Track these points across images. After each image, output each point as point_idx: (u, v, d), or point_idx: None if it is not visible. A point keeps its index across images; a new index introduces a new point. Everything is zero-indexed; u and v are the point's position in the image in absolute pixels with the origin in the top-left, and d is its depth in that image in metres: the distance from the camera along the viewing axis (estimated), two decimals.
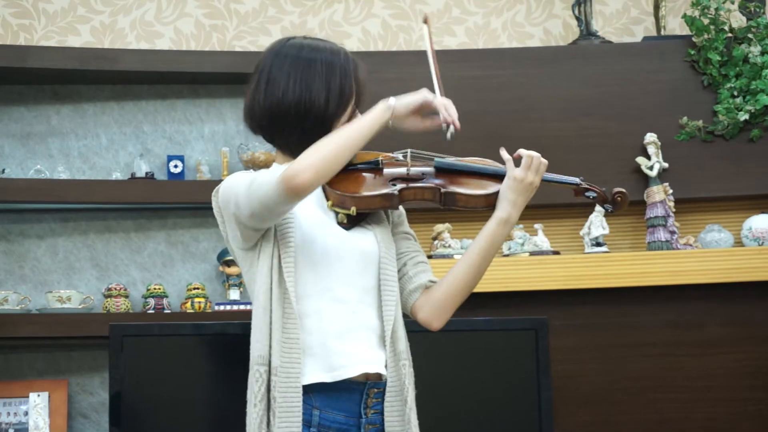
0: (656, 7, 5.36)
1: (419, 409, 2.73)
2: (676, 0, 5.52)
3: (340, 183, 2.72)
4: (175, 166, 5.06)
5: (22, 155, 5.08)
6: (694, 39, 5.09)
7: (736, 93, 5.04)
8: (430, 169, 2.78)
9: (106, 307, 4.87)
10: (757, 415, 4.89)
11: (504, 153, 2.82)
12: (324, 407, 2.62)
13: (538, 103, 5.06)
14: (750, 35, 5.08)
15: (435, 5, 5.50)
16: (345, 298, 2.67)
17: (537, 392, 4.30)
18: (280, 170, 2.57)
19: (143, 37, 5.34)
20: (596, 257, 4.85)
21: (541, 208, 4.75)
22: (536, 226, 4.94)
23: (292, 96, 2.66)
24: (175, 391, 4.28)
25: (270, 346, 2.60)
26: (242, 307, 4.87)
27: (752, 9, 5.14)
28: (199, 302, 4.86)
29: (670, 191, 4.96)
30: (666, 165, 4.98)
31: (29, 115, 5.11)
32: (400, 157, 2.83)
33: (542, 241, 4.91)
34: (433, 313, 2.79)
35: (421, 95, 2.71)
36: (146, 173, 5.00)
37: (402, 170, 2.79)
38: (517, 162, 2.81)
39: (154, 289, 4.93)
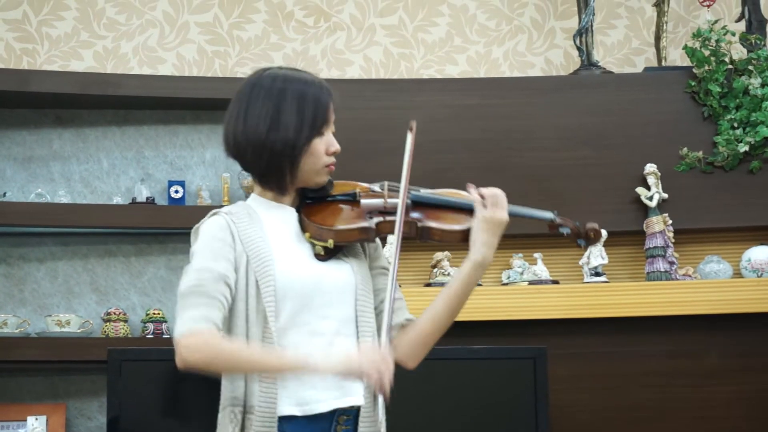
0: (657, 38, 5.38)
1: None
2: (678, 31, 5.54)
3: (318, 215, 2.73)
4: (176, 192, 5.07)
5: (23, 179, 5.09)
6: (694, 70, 5.11)
7: (736, 124, 5.06)
8: (407, 202, 2.76)
9: (105, 332, 4.87)
10: None
11: (473, 192, 2.78)
12: (293, 431, 2.62)
13: (539, 133, 5.07)
14: (750, 67, 5.09)
15: (437, 34, 5.52)
16: (321, 331, 2.66)
17: (535, 421, 4.30)
18: (191, 314, 2.56)
19: (146, 63, 5.36)
20: (595, 287, 4.85)
21: (540, 237, 4.76)
22: (536, 255, 4.94)
23: (263, 127, 2.66)
24: (173, 416, 4.28)
25: (246, 386, 2.62)
26: None
27: (753, 41, 5.16)
28: None
29: (670, 222, 4.97)
30: (665, 195, 4.99)
31: (31, 139, 5.12)
32: (376, 188, 2.83)
33: (541, 270, 4.92)
34: (408, 353, 2.79)
35: (351, 364, 2.52)
36: (147, 198, 5.01)
37: (379, 202, 2.79)
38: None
39: (154, 314, 4.93)
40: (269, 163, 2.69)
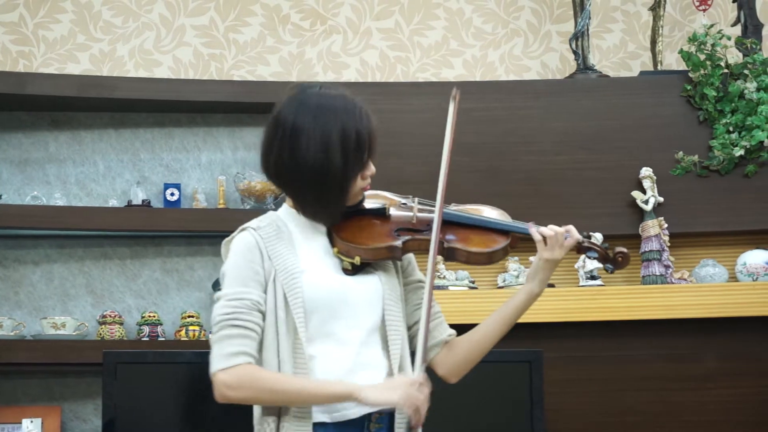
0: (653, 42, 5.38)
1: None
2: (673, 35, 5.55)
3: (347, 231, 2.74)
4: (172, 194, 5.07)
5: (19, 181, 5.08)
6: (690, 74, 5.11)
7: (731, 128, 5.06)
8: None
9: (101, 334, 4.87)
10: None
11: (535, 234, 2.84)
12: None
13: (535, 136, 5.07)
14: (746, 71, 5.10)
15: (433, 37, 5.52)
16: (349, 340, 2.70)
17: (530, 424, 4.30)
18: (225, 347, 2.63)
19: (142, 66, 5.36)
20: (591, 290, 4.86)
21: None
22: (531, 258, 4.91)
23: (312, 162, 2.65)
24: (168, 419, 4.27)
25: None
26: None
27: (748, 45, 5.17)
28: (194, 330, 4.86)
29: (665, 225, 4.97)
30: (661, 199, 4.99)
31: (27, 142, 5.12)
32: (406, 202, 2.84)
33: None
34: (454, 370, 2.91)
35: (397, 397, 2.62)
36: (143, 201, 5.01)
37: (408, 217, 2.80)
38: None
39: (149, 316, 4.93)
40: (316, 199, 2.71)
